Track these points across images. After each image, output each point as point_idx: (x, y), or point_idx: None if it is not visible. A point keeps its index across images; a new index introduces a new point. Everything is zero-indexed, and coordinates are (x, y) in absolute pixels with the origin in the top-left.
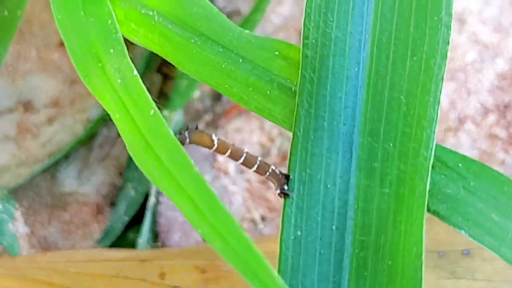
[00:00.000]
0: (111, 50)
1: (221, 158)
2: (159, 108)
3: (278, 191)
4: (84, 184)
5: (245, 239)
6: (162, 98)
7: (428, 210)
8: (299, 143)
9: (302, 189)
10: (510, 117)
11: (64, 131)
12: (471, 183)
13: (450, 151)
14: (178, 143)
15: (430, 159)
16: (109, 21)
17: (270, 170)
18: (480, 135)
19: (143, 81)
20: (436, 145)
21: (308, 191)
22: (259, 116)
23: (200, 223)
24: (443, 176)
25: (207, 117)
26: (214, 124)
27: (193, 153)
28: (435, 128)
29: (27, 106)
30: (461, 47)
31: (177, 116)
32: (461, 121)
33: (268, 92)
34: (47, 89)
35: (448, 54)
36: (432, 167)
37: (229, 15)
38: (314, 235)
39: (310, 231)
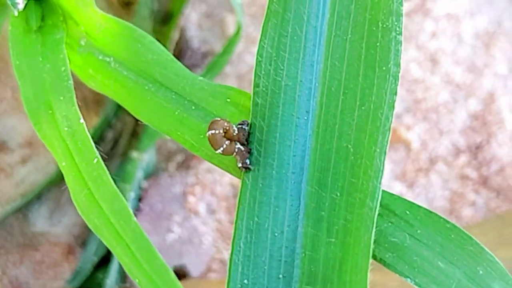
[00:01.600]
0: (61, 98)
1: (192, 198)
2: (131, 149)
3: (240, 165)
4: (56, 224)
5: None
6: (134, 138)
7: (375, 259)
8: (247, 191)
9: (249, 237)
10: (481, 158)
11: (37, 171)
12: (418, 231)
13: (398, 198)
14: (118, 192)
15: (375, 210)
16: (63, 68)
17: (236, 150)
18: (451, 176)
19: (116, 122)
20: (384, 192)
21: (255, 240)
22: None
23: (137, 273)
24: (390, 224)
25: (179, 158)
26: (185, 165)
27: (165, 193)
28: (381, 178)
29: (2, 146)
30: (434, 87)
31: (149, 156)
32: (433, 161)
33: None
34: (21, 130)
35: (421, 94)
36: (380, 214)
37: (204, 55)
38: (260, 284)
39: (257, 280)
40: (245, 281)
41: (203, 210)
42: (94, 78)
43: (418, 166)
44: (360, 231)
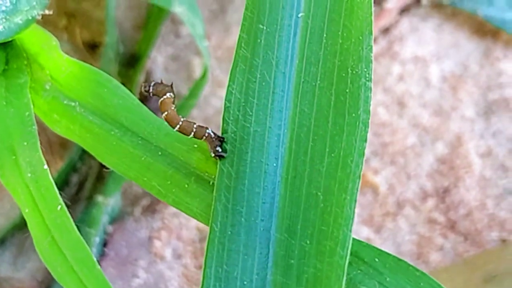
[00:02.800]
0: (25, 143)
1: (158, 243)
2: (96, 193)
3: (213, 154)
4: (20, 270)
5: None
6: (99, 182)
7: None
8: (215, 238)
9: (218, 286)
10: (449, 202)
11: (0, 216)
12: (387, 279)
13: (367, 245)
14: (82, 239)
15: (346, 258)
16: (27, 113)
17: (206, 134)
18: (419, 220)
19: (81, 165)
20: (353, 239)
21: None
22: None
23: None
24: (359, 271)
25: (145, 202)
26: (151, 209)
27: (130, 237)
28: (351, 226)
29: None
30: (401, 131)
31: (114, 201)
32: (400, 205)
33: (186, 185)
34: None
35: (389, 137)
36: (349, 262)
37: None
38: None
39: None
40: None
41: (169, 255)
42: (59, 123)
43: (386, 210)
44: (330, 280)
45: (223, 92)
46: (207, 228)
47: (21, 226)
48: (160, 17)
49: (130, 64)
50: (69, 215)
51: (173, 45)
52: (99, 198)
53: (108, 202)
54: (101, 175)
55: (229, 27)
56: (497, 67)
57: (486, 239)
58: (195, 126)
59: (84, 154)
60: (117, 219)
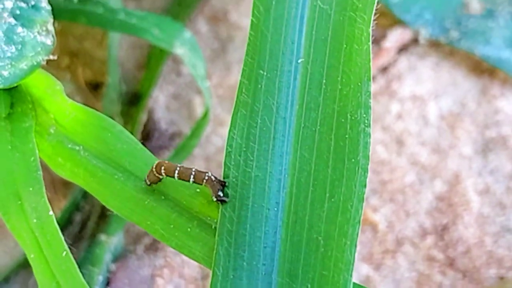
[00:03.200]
0: (31, 189)
1: (160, 281)
2: (99, 231)
3: (214, 198)
4: None
5: None
6: (102, 220)
7: None
8: (218, 282)
9: None
10: (448, 239)
11: (5, 254)
12: None
13: None
14: (86, 286)
15: None
16: (32, 158)
17: (206, 178)
18: (418, 257)
19: (84, 204)
20: (354, 284)
21: None
22: None
23: None
24: None
25: (147, 240)
26: (154, 247)
27: (133, 275)
28: (352, 271)
29: None
30: (400, 168)
31: (117, 239)
32: (399, 242)
33: (189, 229)
34: None
35: (387, 175)
36: None
37: (171, 137)
38: None
39: None
40: None
41: None
42: (63, 167)
43: (385, 247)
44: None
45: (224, 131)
46: (208, 268)
47: (25, 264)
48: (161, 57)
49: (132, 103)
50: (74, 261)
51: (174, 84)
52: (102, 237)
53: (111, 241)
54: (104, 213)
55: (230, 65)
56: (494, 105)
57: (485, 276)
58: (193, 170)
59: (87, 193)
60: (120, 257)
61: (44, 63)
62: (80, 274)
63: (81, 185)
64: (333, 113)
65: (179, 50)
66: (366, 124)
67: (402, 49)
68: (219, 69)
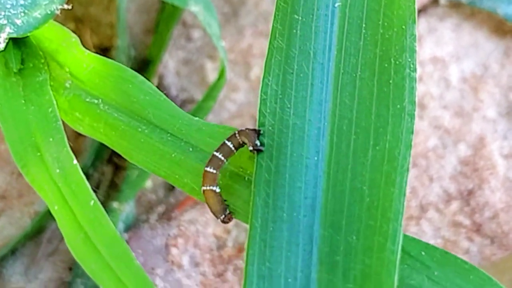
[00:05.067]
0: (51, 139)
1: (175, 250)
2: (109, 200)
3: (251, 148)
4: (32, 281)
5: None
6: (113, 189)
7: None
8: (257, 234)
9: (261, 284)
10: (474, 204)
11: (11, 225)
12: (435, 273)
13: (413, 239)
14: (119, 235)
15: (397, 253)
16: (50, 109)
17: (237, 134)
18: (443, 223)
19: (93, 172)
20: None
21: (268, 286)
22: None
23: None
24: (406, 266)
25: (160, 209)
26: (167, 216)
27: (146, 245)
28: (401, 220)
29: None
30: (422, 132)
31: (129, 208)
32: (423, 208)
33: (221, 181)
34: None
35: None
36: None
37: (183, 103)
38: None
39: None
40: None
41: (186, 263)
42: (81, 122)
43: (409, 213)
44: (381, 276)
45: (237, 96)
46: (224, 235)
47: (32, 235)
48: (171, 21)
49: (141, 69)
50: (103, 209)
51: (184, 49)
52: (114, 205)
53: (124, 208)
54: (114, 182)
55: (242, 29)
56: None
57: None
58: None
59: (96, 161)
60: (132, 226)
61: (58, 12)
62: (111, 223)
63: (101, 140)
64: (375, 58)
65: (194, 7)
66: (411, 69)
67: (421, 10)
68: (231, 34)
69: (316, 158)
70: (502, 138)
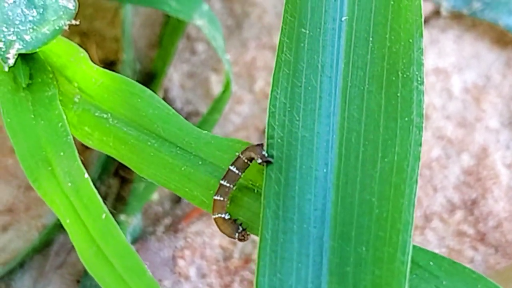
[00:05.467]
0: (62, 153)
1: (182, 262)
2: (116, 213)
3: (259, 160)
4: None
5: None
6: (119, 202)
7: None
8: (267, 245)
9: None
10: (478, 213)
11: (18, 239)
12: (444, 282)
13: (420, 249)
14: (131, 247)
15: (407, 264)
16: (60, 124)
17: (241, 155)
18: (447, 233)
19: (100, 185)
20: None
21: None
22: None
23: None
24: (414, 275)
25: (167, 221)
26: (173, 228)
27: (153, 257)
28: (411, 231)
29: None
30: (426, 143)
31: (135, 221)
32: (428, 218)
33: (230, 195)
34: (1, 196)
35: None
36: None
37: (188, 116)
38: None
39: None
40: None
41: (193, 275)
42: (91, 136)
43: (414, 224)
44: (391, 286)
45: (242, 109)
46: (231, 247)
47: (40, 249)
48: (175, 34)
49: (146, 82)
50: (115, 223)
51: (189, 62)
52: (121, 217)
53: (131, 221)
54: (121, 195)
55: (246, 42)
56: None
57: None
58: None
59: (103, 174)
60: (139, 239)
61: (66, 28)
62: (123, 236)
63: (110, 154)
64: (382, 71)
65: (199, 21)
66: (419, 82)
67: (424, 22)
68: (234, 47)
69: (325, 170)
70: (505, 148)
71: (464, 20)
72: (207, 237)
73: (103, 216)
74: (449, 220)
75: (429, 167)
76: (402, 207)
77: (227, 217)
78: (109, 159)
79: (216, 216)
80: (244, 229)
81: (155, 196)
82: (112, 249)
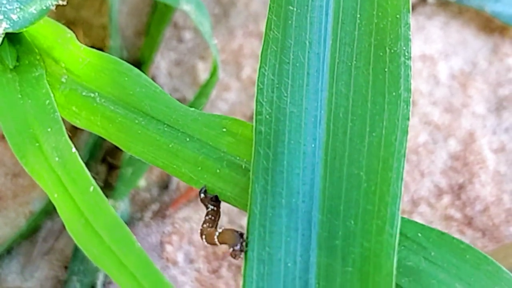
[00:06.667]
0: (49, 129)
1: (169, 247)
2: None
3: (231, 249)
4: (28, 279)
5: None
6: (107, 188)
7: None
8: (256, 220)
9: (262, 269)
10: (465, 198)
11: (6, 225)
12: (432, 253)
13: (408, 220)
14: (119, 219)
15: (396, 236)
16: (47, 101)
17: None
18: (435, 217)
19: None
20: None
21: (268, 271)
22: None
23: None
24: (403, 247)
25: (154, 207)
26: (161, 214)
27: (141, 243)
28: (399, 204)
29: None
30: (412, 128)
31: (123, 206)
32: (415, 203)
33: (218, 170)
34: None
35: None
36: None
37: None
38: None
39: None
40: None
41: (181, 260)
42: (78, 116)
43: (401, 208)
44: (380, 258)
45: (229, 95)
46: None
47: (27, 235)
48: (162, 22)
49: None
50: (103, 195)
51: (176, 50)
52: (109, 203)
53: (118, 206)
54: (108, 182)
55: (233, 30)
56: (506, 63)
57: (504, 233)
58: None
59: (90, 160)
60: (126, 224)
61: (53, 8)
62: (111, 208)
63: (98, 133)
64: (369, 47)
65: (186, 6)
66: (406, 57)
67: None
68: (222, 34)
69: (313, 145)
70: (491, 133)
71: (451, 7)
72: (194, 223)
73: (91, 188)
74: (436, 205)
75: (416, 152)
76: (391, 180)
77: (220, 230)
78: (96, 146)
79: (216, 240)
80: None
81: (142, 183)
82: (100, 221)
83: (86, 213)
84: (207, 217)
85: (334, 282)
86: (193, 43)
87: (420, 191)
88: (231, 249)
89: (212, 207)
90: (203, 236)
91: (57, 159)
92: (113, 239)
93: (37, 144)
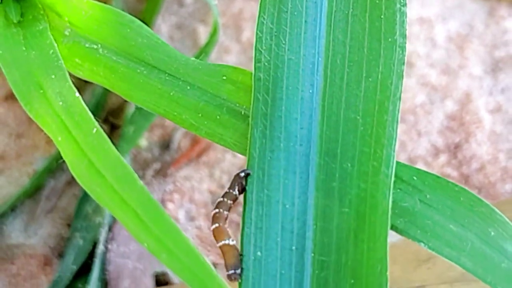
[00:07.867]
0: (53, 76)
1: (171, 205)
2: None
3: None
4: (31, 236)
5: (192, 250)
6: None
7: None
8: (255, 163)
9: (260, 210)
10: (461, 157)
11: (10, 184)
12: (427, 196)
13: (404, 165)
14: (122, 159)
15: (391, 177)
16: (51, 51)
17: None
18: None
19: None
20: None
21: (266, 212)
22: (209, 163)
23: (145, 237)
24: (398, 190)
25: (156, 166)
26: (163, 172)
27: None
28: (395, 146)
29: None
30: (410, 90)
31: None
32: (412, 162)
33: (218, 117)
34: None
35: None
36: None
37: None
38: (274, 256)
39: (270, 252)
40: (258, 253)
41: (182, 217)
42: (81, 67)
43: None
44: (376, 198)
45: (229, 58)
46: (219, 191)
47: (31, 193)
48: None
49: None
50: (105, 136)
51: (177, 14)
52: None
53: None
54: (111, 141)
55: None
56: (502, 26)
57: (500, 191)
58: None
59: None
60: None
61: None
62: (114, 148)
63: (101, 83)
64: None
65: None
66: (402, 4)
67: None
68: None
69: (311, 91)
70: (487, 94)
71: None
72: (195, 181)
73: (94, 130)
74: (433, 164)
75: (414, 112)
76: (386, 122)
77: (231, 242)
78: (98, 106)
79: (221, 244)
80: (240, 272)
81: (144, 143)
82: (103, 161)
83: (89, 154)
84: (224, 199)
85: (331, 223)
86: (193, 8)
87: (417, 150)
88: (227, 272)
89: (236, 192)
90: (213, 226)
91: (60, 103)
92: (116, 178)
93: (41, 91)
